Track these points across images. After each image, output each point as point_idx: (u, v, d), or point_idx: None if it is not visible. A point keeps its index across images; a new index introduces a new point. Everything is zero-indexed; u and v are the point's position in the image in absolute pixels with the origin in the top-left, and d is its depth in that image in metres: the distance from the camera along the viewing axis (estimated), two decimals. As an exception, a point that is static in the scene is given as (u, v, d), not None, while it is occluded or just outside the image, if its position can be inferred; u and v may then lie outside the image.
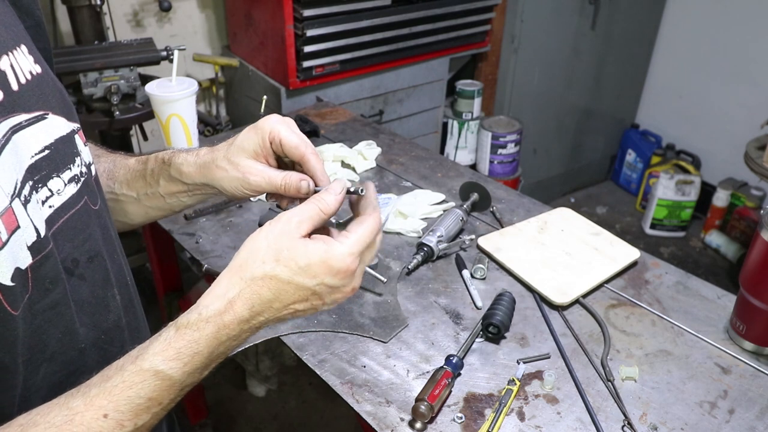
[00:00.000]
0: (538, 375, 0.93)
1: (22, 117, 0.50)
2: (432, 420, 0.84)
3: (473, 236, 1.21)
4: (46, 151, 0.53)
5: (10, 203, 0.47)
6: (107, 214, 0.64)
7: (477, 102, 2.61)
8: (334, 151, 1.52)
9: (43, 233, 0.50)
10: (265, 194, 0.69)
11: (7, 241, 0.46)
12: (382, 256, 1.18)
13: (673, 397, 0.89)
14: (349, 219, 0.64)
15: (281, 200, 0.68)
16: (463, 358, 0.94)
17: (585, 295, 1.09)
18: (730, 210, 3.01)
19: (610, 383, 0.91)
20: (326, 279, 0.57)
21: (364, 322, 1.02)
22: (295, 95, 2.14)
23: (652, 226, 3.13)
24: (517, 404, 0.88)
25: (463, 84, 2.62)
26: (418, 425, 0.83)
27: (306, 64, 2.06)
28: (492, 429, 0.83)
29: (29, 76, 0.52)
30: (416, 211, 1.29)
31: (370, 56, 2.21)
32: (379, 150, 1.56)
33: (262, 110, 1.48)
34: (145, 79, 1.66)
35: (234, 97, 2.43)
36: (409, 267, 1.13)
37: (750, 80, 2.92)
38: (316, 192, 0.64)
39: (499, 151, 2.68)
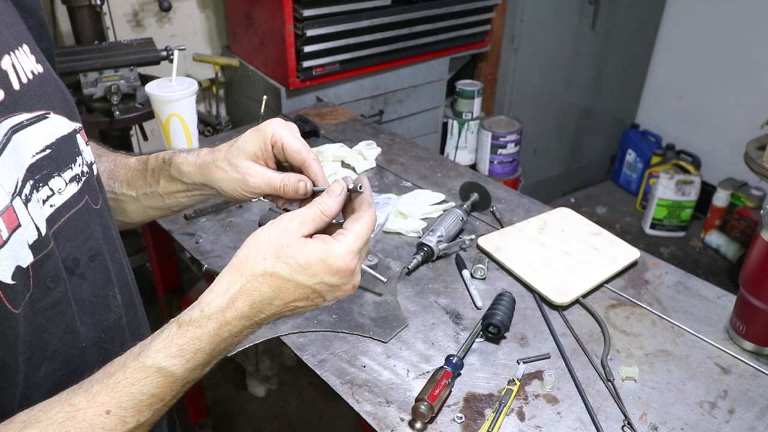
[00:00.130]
0: (538, 375, 0.93)
1: (24, 116, 0.51)
2: (432, 420, 0.84)
3: (473, 236, 1.21)
4: (48, 151, 0.53)
5: (11, 202, 0.47)
6: (108, 213, 0.65)
7: (477, 102, 2.61)
8: (334, 151, 1.52)
9: (44, 232, 0.50)
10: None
11: (8, 239, 0.46)
12: (382, 256, 1.18)
13: (673, 397, 0.89)
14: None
15: (278, 200, 0.68)
16: (463, 358, 0.94)
17: (585, 295, 1.09)
18: (730, 210, 3.01)
19: (610, 383, 0.91)
20: (326, 278, 0.57)
21: (364, 322, 1.02)
22: (295, 95, 2.14)
23: (652, 226, 3.13)
24: (517, 404, 0.88)
25: (463, 84, 2.62)
26: (418, 425, 0.83)
27: (306, 64, 2.06)
28: (492, 429, 0.83)
29: (31, 76, 0.53)
30: (416, 211, 1.29)
31: (370, 56, 2.21)
32: (379, 150, 1.56)
33: (262, 110, 1.48)
34: (145, 79, 1.66)
35: (234, 97, 2.43)
36: (409, 267, 1.13)
37: (750, 80, 2.92)
38: (315, 192, 0.65)
39: (499, 151, 2.68)
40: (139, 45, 1.86)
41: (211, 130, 2.12)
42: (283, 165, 0.69)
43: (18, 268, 0.47)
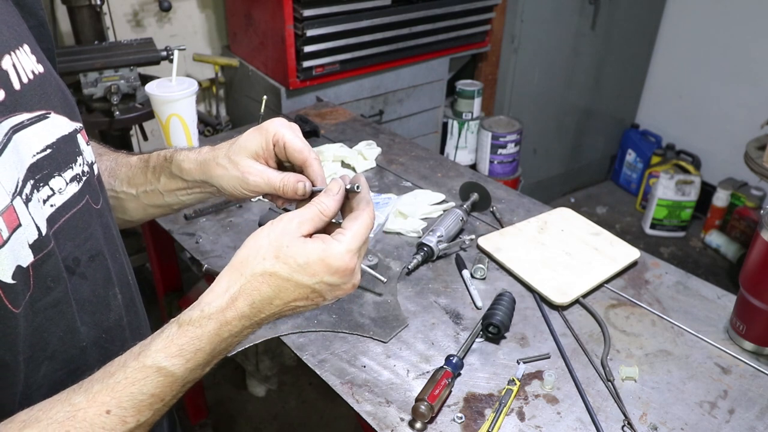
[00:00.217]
0: (538, 375, 0.93)
1: (24, 116, 0.51)
2: (432, 420, 0.84)
3: (473, 236, 1.21)
4: (48, 150, 0.53)
5: (12, 201, 0.47)
6: (109, 213, 0.65)
7: (477, 102, 2.61)
8: (334, 151, 1.52)
9: (44, 232, 0.50)
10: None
11: (8, 239, 0.46)
12: (382, 256, 1.18)
13: (673, 397, 0.89)
14: None
15: (277, 200, 0.68)
16: (463, 358, 0.94)
17: (585, 295, 1.09)
18: (730, 210, 3.01)
19: (610, 383, 0.91)
20: (326, 277, 0.58)
21: (364, 322, 1.02)
22: (295, 95, 2.14)
23: (652, 226, 3.13)
24: (517, 404, 0.88)
25: (463, 84, 2.62)
26: (418, 425, 0.83)
27: (306, 64, 2.06)
28: (492, 429, 0.83)
29: (31, 76, 0.53)
30: (416, 211, 1.29)
31: (370, 56, 2.21)
32: (379, 150, 1.56)
33: (262, 110, 1.48)
34: (145, 79, 1.66)
35: (234, 97, 2.43)
36: (409, 267, 1.13)
37: (750, 80, 2.92)
38: (314, 192, 0.65)
39: (499, 151, 2.68)
40: (139, 45, 1.86)
41: (211, 130, 2.12)
42: (284, 165, 0.69)
43: (18, 267, 0.47)
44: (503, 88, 2.82)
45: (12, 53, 0.51)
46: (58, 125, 0.55)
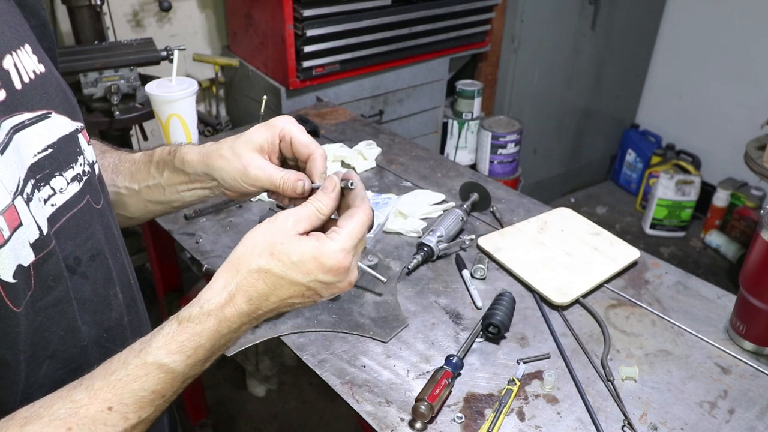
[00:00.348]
0: (538, 375, 0.93)
1: (25, 116, 0.51)
2: (432, 420, 0.84)
3: (473, 236, 1.21)
4: (49, 150, 0.53)
5: (13, 201, 0.47)
6: (110, 213, 0.65)
7: (477, 102, 2.61)
8: (334, 151, 1.52)
9: (45, 231, 0.51)
10: (265, 194, 0.71)
11: (9, 238, 0.46)
12: (382, 256, 1.18)
13: (673, 397, 0.89)
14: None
15: (282, 199, 0.69)
16: (463, 358, 0.94)
17: (585, 295, 1.09)
18: (730, 210, 3.01)
19: (610, 383, 0.91)
20: (319, 276, 0.58)
21: (364, 322, 1.02)
22: (295, 95, 2.14)
23: (652, 226, 3.13)
24: (517, 404, 0.88)
25: (463, 84, 2.62)
26: (418, 425, 0.83)
27: (306, 64, 2.06)
28: (492, 429, 0.83)
29: (32, 76, 0.53)
30: (416, 211, 1.29)
31: (370, 56, 2.21)
32: (379, 150, 1.56)
33: (262, 110, 1.49)
34: (145, 79, 1.66)
35: (234, 97, 2.43)
36: (409, 267, 1.13)
37: (750, 80, 2.92)
38: (313, 191, 0.65)
39: (499, 151, 2.68)
40: (139, 45, 1.86)
41: (211, 130, 2.12)
42: (287, 162, 0.70)
43: (19, 266, 0.48)
44: (503, 88, 2.82)
45: (13, 53, 0.51)
46: (59, 125, 0.55)
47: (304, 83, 2.09)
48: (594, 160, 3.48)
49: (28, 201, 0.49)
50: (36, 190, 0.51)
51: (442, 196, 1.37)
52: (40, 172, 0.52)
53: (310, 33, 1.99)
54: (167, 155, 0.73)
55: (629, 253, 1.18)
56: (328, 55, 2.10)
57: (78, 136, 0.58)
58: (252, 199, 1.32)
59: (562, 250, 1.19)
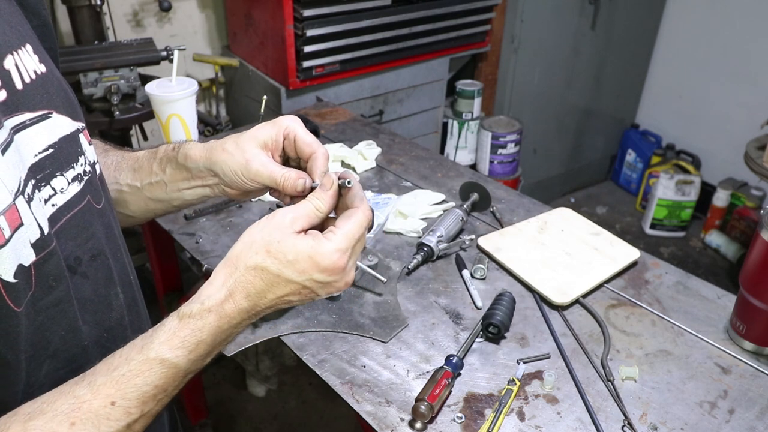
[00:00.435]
0: (538, 375, 0.93)
1: (26, 116, 0.51)
2: (432, 420, 0.84)
3: (473, 236, 1.21)
4: (50, 150, 0.53)
5: (14, 201, 0.47)
6: (111, 213, 0.65)
7: (477, 102, 2.61)
8: (334, 151, 1.52)
9: (46, 231, 0.51)
10: (266, 193, 0.71)
11: (10, 238, 0.46)
12: (382, 256, 1.18)
13: (673, 397, 0.89)
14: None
15: (282, 197, 0.69)
16: (463, 358, 0.94)
17: (585, 295, 1.09)
18: (730, 210, 3.01)
19: (610, 383, 0.91)
20: (315, 275, 0.59)
21: (364, 322, 1.02)
22: (295, 95, 2.14)
23: (652, 226, 3.13)
24: (517, 404, 0.88)
25: (463, 84, 2.62)
26: (418, 425, 0.83)
27: (306, 64, 2.06)
28: (492, 429, 0.83)
29: (33, 76, 0.53)
30: (416, 211, 1.29)
31: (370, 56, 2.21)
32: (379, 150, 1.56)
33: (262, 110, 1.48)
34: (145, 79, 1.66)
35: (234, 97, 2.43)
36: (409, 267, 1.13)
37: (750, 80, 2.92)
38: (313, 189, 0.65)
39: (499, 151, 2.68)
40: (139, 45, 1.86)
41: (211, 130, 2.12)
42: (290, 161, 0.71)
43: (20, 266, 0.48)
44: (503, 88, 2.82)
45: (14, 53, 0.51)
46: (60, 125, 0.55)
47: (304, 83, 2.09)
48: (594, 160, 3.48)
49: (29, 201, 0.49)
50: (37, 190, 0.51)
51: (442, 196, 1.37)
52: (41, 172, 0.52)
53: (310, 33, 1.99)
54: (171, 151, 0.73)
55: (629, 253, 1.18)
56: (328, 55, 2.10)
57: (79, 136, 0.58)
58: (252, 199, 1.32)
59: (562, 250, 1.19)
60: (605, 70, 3.12)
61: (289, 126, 0.67)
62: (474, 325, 1.01)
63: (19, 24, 0.55)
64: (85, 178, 0.58)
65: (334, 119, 1.78)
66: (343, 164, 1.52)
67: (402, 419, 0.85)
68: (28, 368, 0.51)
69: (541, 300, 1.08)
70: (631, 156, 3.41)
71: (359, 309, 1.04)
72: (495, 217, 1.32)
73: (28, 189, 0.50)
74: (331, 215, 0.65)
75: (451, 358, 0.91)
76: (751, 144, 2.35)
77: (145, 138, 2.02)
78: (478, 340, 0.99)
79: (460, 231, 1.25)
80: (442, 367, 0.89)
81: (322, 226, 0.64)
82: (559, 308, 1.06)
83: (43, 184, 0.52)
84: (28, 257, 0.48)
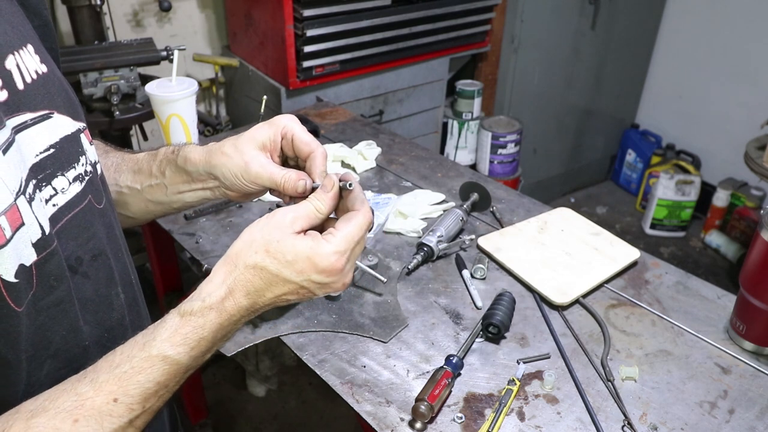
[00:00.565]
0: (538, 375, 0.93)
1: (27, 116, 0.51)
2: (432, 420, 0.84)
3: (473, 236, 1.21)
4: (51, 150, 0.53)
5: (15, 200, 0.47)
6: (112, 213, 0.65)
7: (477, 102, 2.61)
8: (334, 151, 1.52)
9: (47, 231, 0.51)
10: (266, 193, 0.71)
11: (11, 237, 0.47)
12: (382, 256, 1.18)
13: (673, 397, 0.89)
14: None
15: (283, 198, 0.69)
16: (463, 358, 0.94)
17: (585, 295, 1.09)
18: (730, 210, 3.01)
19: (610, 383, 0.91)
20: (312, 276, 0.59)
21: (364, 322, 1.02)
22: (295, 95, 2.14)
23: (652, 226, 3.13)
24: (517, 404, 0.88)
25: (463, 84, 2.62)
26: (418, 425, 0.83)
27: (306, 64, 2.06)
28: (492, 429, 0.83)
29: (35, 76, 0.53)
30: (416, 211, 1.29)
31: (370, 56, 2.21)
32: (379, 150, 1.56)
33: (262, 110, 1.49)
34: (145, 79, 1.66)
35: (234, 97, 2.43)
36: (409, 267, 1.13)
37: (750, 80, 2.93)
38: (314, 189, 0.65)
39: (499, 151, 2.68)
40: (139, 45, 1.86)
41: (211, 130, 2.12)
42: (288, 161, 0.71)
43: (21, 266, 0.48)
44: (503, 88, 2.82)
45: (16, 53, 0.51)
46: (61, 125, 0.55)
47: (304, 83, 2.09)
48: (594, 160, 3.48)
49: (30, 201, 0.49)
50: (38, 190, 0.51)
51: (442, 196, 1.37)
52: (42, 172, 0.52)
53: (310, 33, 1.99)
54: (171, 154, 0.73)
55: (629, 253, 1.18)
56: (328, 55, 2.10)
57: (80, 136, 0.59)
58: (252, 200, 1.32)
59: (562, 250, 1.19)
60: (605, 70, 3.12)
61: (287, 125, 0.67)
62: (474, 325, 1.01)
63: (21, 24, 0.55)
64: (86, 178, 0.58)
65: (334, 119, 1.78)
66: (343, 164, 1.52)
67: (402, 419, 0.85)
68: (28, 368, 0.51)
69: (541, 300, 1.08)
70: (631, 156, 3.41)
71: (359, 309, 1.04)
72: (495, 217, 1.32)
73: (30, 189, 0.50)
74: (331, 216, 0.65)
75: (451, 358, 0.91)
76: (751, 144, 2.35)
77: (145, 138, 2.02)
78: (478, 340, 0.99)
79: (460, 231, 1.25)
80: (442, 367, 0.89)
81: (321, 226, 0.64)
82: (559, 308, 1.06)
83: (44, 184, 0.52)
84: (29, 257, 0.49)
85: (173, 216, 1.28)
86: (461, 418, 0.85)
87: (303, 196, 0.66)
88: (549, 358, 0.96)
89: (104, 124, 1.78)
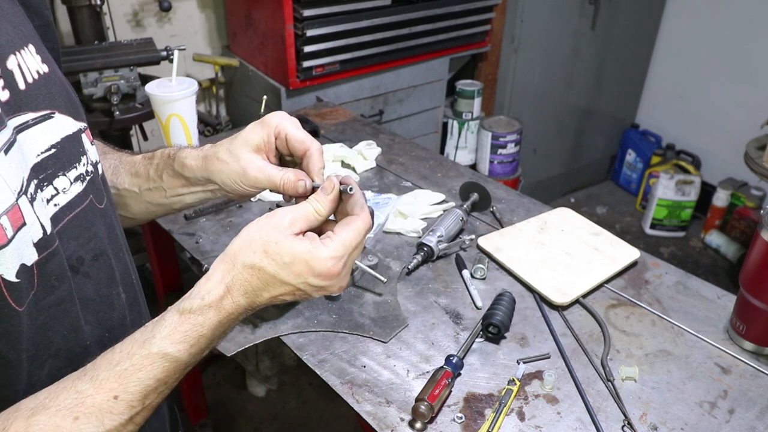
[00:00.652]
0: (538, 375, 0.93)
1: (29, 116, 0.51)
2: (432, 420, 0.84)
3: (473, 236, 1.22)
4: (52, 150, 0.53)
5: (17, 200, 0.47)
6: (113, 212, 0.65)
7: (477, 102, 2.61)
8: (334, 151, 1.52)
9: (48, 231, 0.51)
10: (265, 193, 0.71)
11: (13, 237, 0.47)
12: (382, 256, 1.18)
13: (673, 397, 0.89)
14: None
15: (285, 196, 0.69)
16: (463, 358, 0.94)
17: (585, 295, 1.09)
18: (730, 210, 3.01)
19: (610, 383, 0.91)
20: (309, 278, 0.60)
21: (364, 322, 1.02)
22: (295, 95, 2.14)
23: (652, 226, 3.13)
24: (517, 404, 0.88)
25: (463, 84, 2.62)
26: (418, 425, 0.83)
27: (306, 64, 2.06)
28: (492, 429, 0.83)
29: (36, 76, 0.53)
30: (416, 211, 1.30)
31: (370, 56, 2.21)
32: (379, 150, 1.56)
33: (262, 110, 1.49)
34: (145, 79, 1.66)
35: (234, 97, 2.43)
36: (409, 267, 1.13)
37: (750, 80, 2.93)
38: (314, 188, 0.65)
39: (499, 151, 2.68)
40: (139, 45, 1.86)
41: (211, 130, 2.12)
42: (285, 159, 0.70)
43: (23, 266, 0.48)
44: (503, 88, 2.82)
45: (17, 53, 0.51)
46: (62, 125, 0.55)
47: (304, 83, 2.09)
48: (594, 160, 3.48)
49: (31, 200, 0.49)
50: (39, 190, 0.51)
51: (442, 196, 1.37)
52: (44, 172, 0.52)
53: (310, 33, 1.99)
54: (167, 159, 0.73)
55: (629, 253, 1.18)
56: (328, 55, 2.10)
57: (81, 136, 0.59)
58: (252, 199, 1.32)
59: (562, 250, 1.19)
60: (605, 70, 3.12)
61: (279, 125, 0.67)
62: (474, 325, 1.01)
63: (22, 24, 0.55)
64: (88, 178, 0.58)
65: (334, 119, 1.78)
66: (343, 164, 1.52)
67: (402, 419, 0.85)
68: (29, 368, 0.51)
69: (541, 300, 1.08)
70: (631, 156, 3.41)
71: (359, 309, 1.04)
72: (495, 217, 1.32)
73: (31, 189, 0.50)
74: (330, 218, 0.65)
75: (451, 358, 0.91)
76: (751, 144, 2.35)
77: (145, 138, 2.02)
78: (478, 340, 0.99)
79: (460, 231, 1.25)
80: (442, 367, 0.89)
81: (320, 228, 0.64)
82: (559, 308, 1.06)
83: (45, 183, 0.52)
84: (31, 257, 0.49)
85: (173, 216, 1.28)
86: (461, 418, 0.85)
87: (303, 196, 0.66)
88: (549, 358, 0.96)
89: (104, 124, 1.78)
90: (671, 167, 3.16)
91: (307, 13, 1.96)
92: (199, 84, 1.49)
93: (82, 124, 0.59)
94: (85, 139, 0.59)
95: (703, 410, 0.87)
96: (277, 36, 2.02)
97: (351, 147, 1.57)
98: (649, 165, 3.29)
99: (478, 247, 1.21)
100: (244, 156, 0.67)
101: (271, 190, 0.70)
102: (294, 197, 0.68)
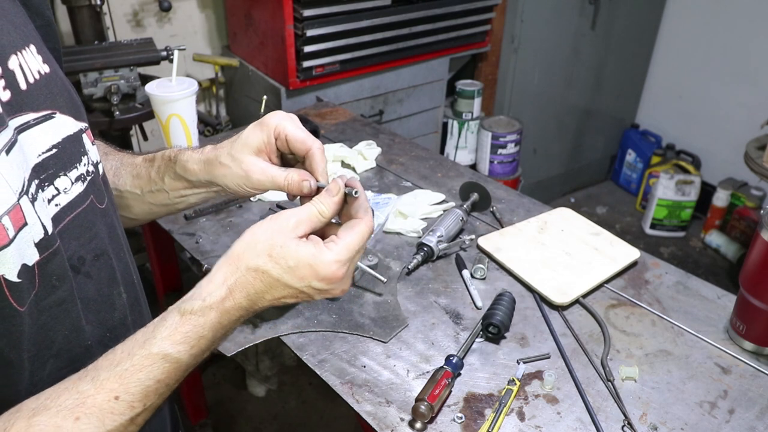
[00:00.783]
0: (538, 375, 0.93)
1: (30, 116, 0.51)
2: (432, 420, 0.84)
3: (473, 236, 1.22)
4: (53, 150, 0.53)
5: (18, 200, 0.47)
6: (114, 212, 0.65)
7: (477, 102, 2.61)
8: (334, 151, 1.52)
9: (50, 231, 0.51)
10: (266, 193, 0.71)
11: (14, 237, 0.47)
12: (382, 256, 1.18)
13: (673, 397, 0.89)
14: None
15: (289, 196, 0.69)
16: (463, 358, 0.94)
17: (585, 295, 1.09)
18: (730, 210, 3.01)
19: (610, 383, 0.91)
20: (313, 282, 0.60)
21: (364, 322, 1.02)
22: (295, 95, 2.14)
23: (652, 226, 3.13)
24: (517, 404, 0.88)
25: (463, 84, 2.62)
26: (418, 425, 0.83)
27: (306, 64, 2.06)
28: (492, 429, 0.83)
29: (37, 76, 0.53)
30: (416, 211, 1.30)
31: (370, 56, 2.21)
32: (379, 150, 1.56)
33: (262, 110, 1.49)
34: (145, 79, 1.66)
35: (234, 97, 2.43)
36: (409, 267, 1.13)
37: (750, 80, 2.93)
38: (319, 188, 0.65)
39: (499, 151, 2.68)
40: (139, 45, 1.86)
41: (211, 130, 2.12)
42: (286, 157, 0.70)
43: (24, 266, 0.48)
44: (503, 88, 2.82)
45: (18, 53, 0.51)
46: (63, 125, 0.55)
47: (304, 83, 2.09)
48: (594, 160, 3.48)
49: (33, 201, 0.49)
50: (40, 190, 0.51)
51: (442, 196, 1.37)
52: (45, 172, 0.52)
53: (310, 33, 2.00)
54: (168, 161, 0.73)
55: (629, 253, 1.18)
56: (328, 55, 2.10)
57: (82, 137, 0.59)
58: (252, 199, 1.32)
59: (562, 250, 1.19)
60: (605, 70, 3.12)
61: (278, 125, 0.66)
62: (474, 325, 1.01)
63: (23, 24, 0.55)
64: (89, 178, 0.58)
65: (334, 119, 1.78)
66: (343, 164, 1.52)
67: (402, 419, 0.85)
68: (31, 368, 0.51)
69: (541, 300, 1.08)
70: (631, 156, 3.41)
71: (359, 309, 1.04)
72: (495, 217, 1.32)
73: (32, 189, 0.50)
74: (333, 220, 0.65)
75: (451, 358, 0.91)
76: (751, 144, 2.35)
77: (145, 138, 2.02)
78: (478, 340, 0.99)
79: (460, 231, 1.25)
80: (442, 367, 0.89)
81: (323, 230, 0.64)
82: (559, 308, 1.06)
83: (46, 183, 0.52)
84: (32, 257, 0.49)
85: (173, 216, 1.28)
86: (461, 418, 0.85)
87: (308, 196, 0.66)
88: (549, 358, 0.96)
89: (104, 124, 1.78)
90: (671, 167, 3.16)
91: (307, 13, 1.96)
92: (199, 84, 1.49)
93: (83, 125, 0.59)
94: (86, 139, 0.60)
95: (703, 410, 0.87)
96: (277, 36, 2.02)
97: (351, 147, 1.57)
98: (649, 165, 3.29)
99: (478, 247, 1.21)
100: (245, 159, 0.67)
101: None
102: (298, 197, 0.68)
